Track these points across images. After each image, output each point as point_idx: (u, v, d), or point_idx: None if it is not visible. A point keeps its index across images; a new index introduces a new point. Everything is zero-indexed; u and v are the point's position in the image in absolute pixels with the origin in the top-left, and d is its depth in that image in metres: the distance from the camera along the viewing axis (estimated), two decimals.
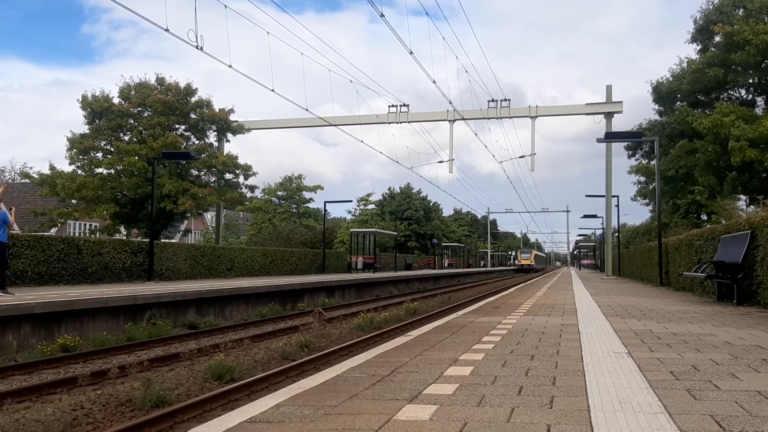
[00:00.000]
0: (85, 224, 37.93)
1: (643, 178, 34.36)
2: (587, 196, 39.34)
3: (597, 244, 73.27)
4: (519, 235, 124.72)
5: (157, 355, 9.83)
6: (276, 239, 43.71)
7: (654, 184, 27.81)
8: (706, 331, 6.68)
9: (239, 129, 31.69)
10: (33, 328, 10.47)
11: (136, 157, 25.73)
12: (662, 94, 30.69)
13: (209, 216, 51.36)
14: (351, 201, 73.30)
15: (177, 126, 28.91)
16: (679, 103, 30.14)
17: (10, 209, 12.89)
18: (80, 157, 26.98)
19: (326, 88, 67.18)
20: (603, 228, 50.09)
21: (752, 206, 26.04)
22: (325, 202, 39.69)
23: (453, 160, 36.90)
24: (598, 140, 23.92)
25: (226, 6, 16.74)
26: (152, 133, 27.05)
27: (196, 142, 29.51)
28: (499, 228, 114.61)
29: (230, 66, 17.87)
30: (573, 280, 26.19)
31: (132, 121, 28.05)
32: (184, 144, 28.43)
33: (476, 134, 31.54)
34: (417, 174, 71.64)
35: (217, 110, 29.64)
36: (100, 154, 27.41)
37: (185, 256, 23.27)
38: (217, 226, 40.85)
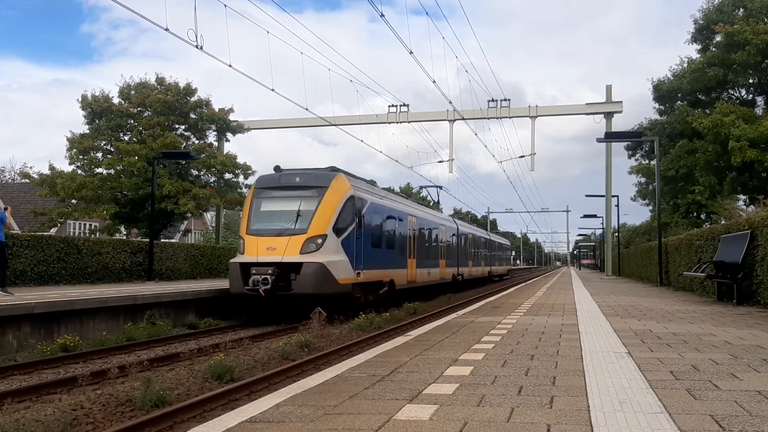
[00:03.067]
0: (85, 224, 37.88)
1: (643, 178, 34.34)
2: (587, 196, 39.34)
3: (597, 244, 73.25)
4: (519, 235, 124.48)
5: (157, 355, 9.83)
6: None
7: (654, 184, 27.80)
8: (706, 331, 6.68)
9: (239, 128, 31.65)
10: (33, 328, 10.47)
11: (136, 157, 25.69)
12: (663, 93, 30.69)
13: (209, 216, 51.25)
14: None
15: (177, 126, 28.87)
16: (679, 102, 30.15)
17: (5, 209, 12.90)
18: (80, 157, 26.94)
19: (326, 88, 67.09)
20: (603, 228, 50.07)
21: (752, 206, 26.00)
22: None
23: (453, 159, 36.69)
24: (598, 140, 23.97)
25: (225, 5, 16.69)
26: (152, 133, 27.01)
27: (196, 141, 29.46)
28: (499, 228, 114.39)
29: (230, 65, 17.78)
30: (573, 280, 26.19)
31: (132, 121, 27.99)
32: (184, 144, 28.36)
33: (476, 134, 31.37)
34: (417, 173, 71.41)
35: (216, 110, 29.60)
36: (99, 154, 27.37)
37: (185, 256, 23.25)
38: (217, 226, 40.80)
